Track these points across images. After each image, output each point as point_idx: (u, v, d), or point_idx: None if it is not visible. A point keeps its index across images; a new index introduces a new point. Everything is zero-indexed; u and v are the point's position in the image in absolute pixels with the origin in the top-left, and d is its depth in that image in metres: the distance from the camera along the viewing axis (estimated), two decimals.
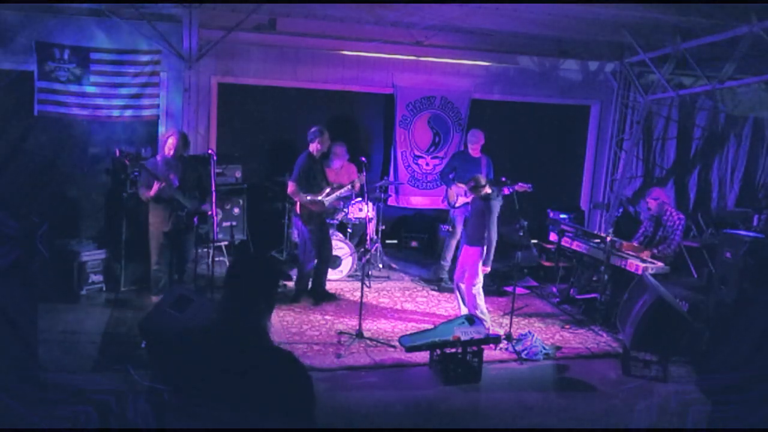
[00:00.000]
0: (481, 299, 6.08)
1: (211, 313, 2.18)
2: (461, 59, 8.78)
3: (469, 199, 6.67)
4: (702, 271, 7.51)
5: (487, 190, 6.04)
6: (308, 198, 6.50)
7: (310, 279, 6.85)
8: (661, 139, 9.61)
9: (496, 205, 6.00)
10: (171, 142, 6.08)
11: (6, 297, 3.85)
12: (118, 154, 5.77)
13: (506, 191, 6.81)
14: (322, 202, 6.61)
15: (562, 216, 8.76)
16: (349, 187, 6.97)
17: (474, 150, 7.67)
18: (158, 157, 6.20)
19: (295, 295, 6.76)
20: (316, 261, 6.77)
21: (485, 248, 5.95)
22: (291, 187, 6.52)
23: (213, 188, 5.93)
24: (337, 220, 7.62)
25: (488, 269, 6.04)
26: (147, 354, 4.94)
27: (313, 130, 6.60)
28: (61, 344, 5.19)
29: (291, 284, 6.99)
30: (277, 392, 2.12)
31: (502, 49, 8.68)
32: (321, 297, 6.80)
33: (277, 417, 2.07)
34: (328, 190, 6.68)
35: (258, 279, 2.30)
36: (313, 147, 6.57)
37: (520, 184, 7.18)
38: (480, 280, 6.06)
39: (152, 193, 5.89)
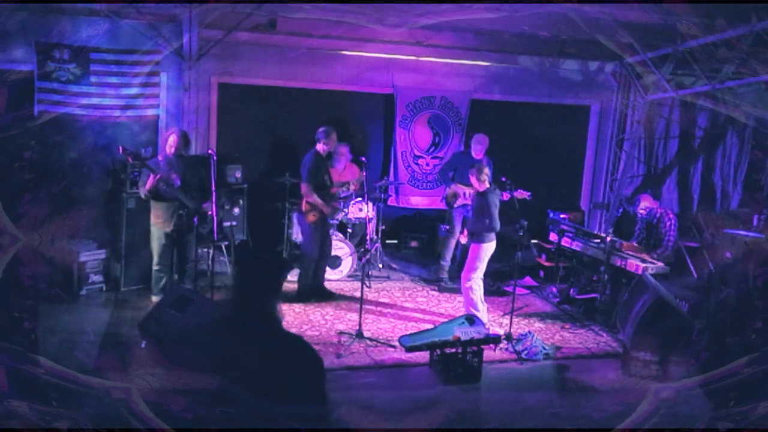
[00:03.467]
0: (475, 294, 6.10)
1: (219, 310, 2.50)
2: (461, 59, 8.77)
3: (468, 201, 6.67)
4: (702, 271, 7.51)
5: (486, 184, 6.13)
6: (320, 201, 6.59)
7: (313, 276, 6.88)
8: (661, 139, 9.60)
9: (494, 197, 6.10)
10: (172, 140, 6.08)
11: None
12: (121, 151, 5.74)
13: (505, 197, 6.83)
14: (332, 205, 6.72)
15: (562, 216, 8.76)
16: (346, 188, 7.02)
17: (477, 153, 7.67)
18: (159, 157, 6.20)
19: (299, 292, 6.78)
20: (318, 258, 6.80)
21: (485, 242, 6.02)
22: (304, 188, 6.63)
23: (213, 188, 5.93)
24: (337, 220, 7.62)
25: (484, 244, 6.09)
26: (147, 353, 4.94)
27: (321, 129, 6.69)
28: (61, 344, 5.19)
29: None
30: (292, 372, 2.34)
31: (502, 49, 8.66)
32: (320, 294, 6.83)
33: (292, 395, 2.29)
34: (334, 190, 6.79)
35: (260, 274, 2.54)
36: (320, 146, 6.64)
37: (519, 190, 7.19)
38: (477, 275, 6.09)
39: (148, 186, 5.87)
